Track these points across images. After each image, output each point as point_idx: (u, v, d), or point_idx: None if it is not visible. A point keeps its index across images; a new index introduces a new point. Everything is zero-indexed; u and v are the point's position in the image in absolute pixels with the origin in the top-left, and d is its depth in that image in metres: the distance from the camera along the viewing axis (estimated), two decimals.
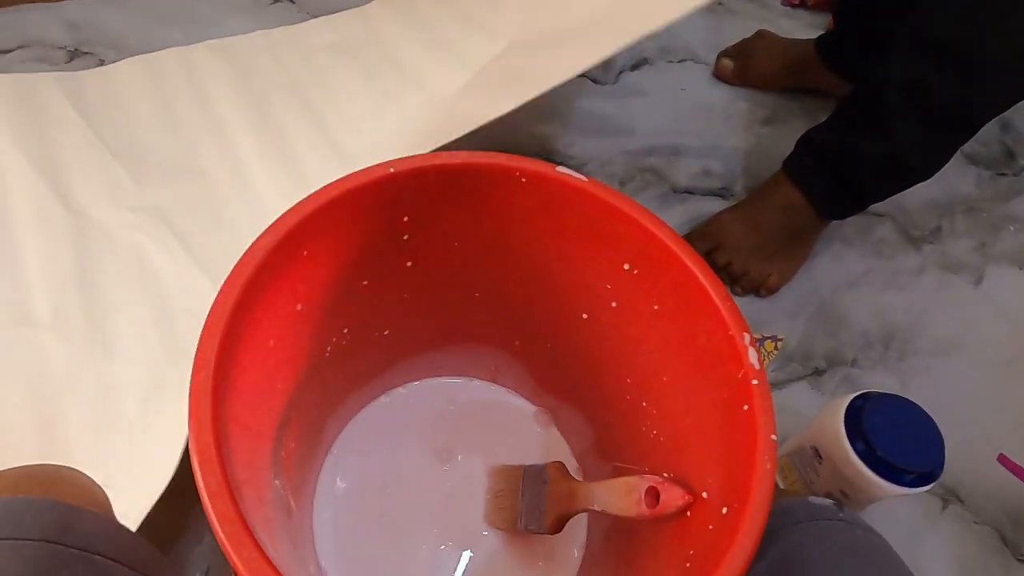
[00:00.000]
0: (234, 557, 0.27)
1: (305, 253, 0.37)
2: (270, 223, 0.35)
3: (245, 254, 0.33)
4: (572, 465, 0.55)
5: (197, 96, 0.73)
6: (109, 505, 0.37)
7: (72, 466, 0.36)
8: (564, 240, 0.43)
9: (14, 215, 0.60)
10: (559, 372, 0.53)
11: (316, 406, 0.47)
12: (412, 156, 0.39)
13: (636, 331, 0.44)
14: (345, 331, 0.46)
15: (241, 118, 0.71)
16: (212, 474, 0.28)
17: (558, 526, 0.44)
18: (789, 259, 0.71)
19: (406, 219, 0.41)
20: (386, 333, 0.50)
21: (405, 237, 0.43)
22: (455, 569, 0.49)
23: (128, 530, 0.32)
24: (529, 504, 0.46)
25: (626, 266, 0.41)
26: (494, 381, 0.58)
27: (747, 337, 0.35)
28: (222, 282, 0.58)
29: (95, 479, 0.37)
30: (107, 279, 0.59)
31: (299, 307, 0.39)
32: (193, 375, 0.30)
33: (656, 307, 0.41)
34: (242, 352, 0.33)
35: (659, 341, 0.42)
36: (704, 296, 0.37)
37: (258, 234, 0.34)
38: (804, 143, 0.69)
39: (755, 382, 0.34)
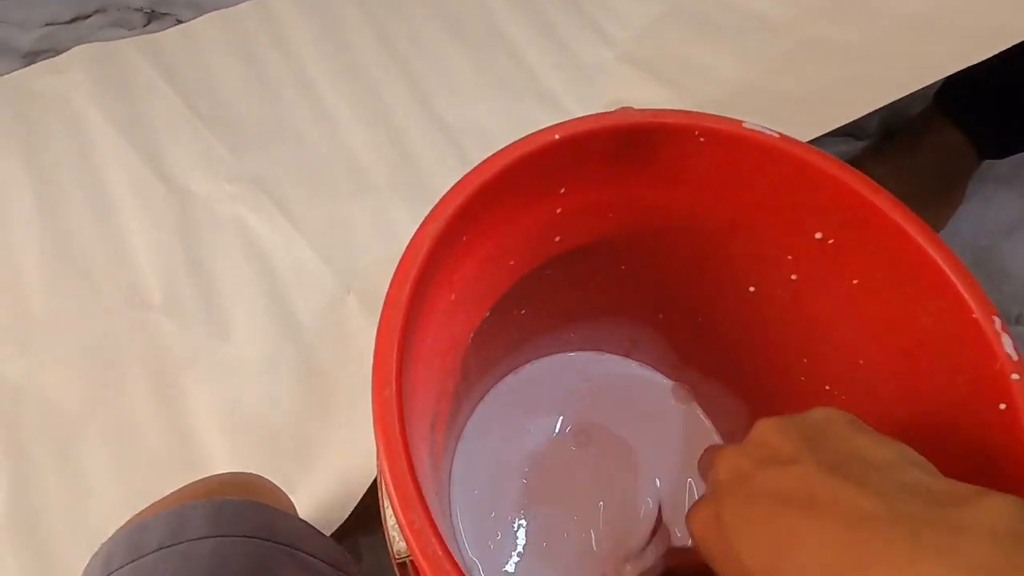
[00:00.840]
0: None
1: (464, 239, 0.33)
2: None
3: (410, 246, 0.29)
4: (715, 443, 0.51)
5: (283, 53, 0.69)
6: (295, 508, 0.39)
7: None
8: (739, 206, 0.38)
9: (115, 194, 0.58)
10: (707, 346, 0.48)
11: (454, 393, 0.44)
12: (576, 119, 0.34)
13: (821, 308, 0.38)
14: (487, 314, 0.42)
15: (331, 77, 0.67)
16: (415, 512, 0.24)
17: None
18: (943, 206, 0.64)
19: (563, 191, 0.37)
20: (523, 312, 0.46)
21: (558, 211, 0.38)
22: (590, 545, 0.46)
23: (317, 530, 0.34)
24: None
25: (818, 235, 0.36)
26: (628, 355, 0.54)
27: (997, 322, 0.30)
28: (325, 252, 0.54)
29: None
30: (213, 257, 0.56)
31: (453, 297, 0.35)
32: (375, 393, 0.26)
33: (855, 282, 0.36)
34: (411, 356, 0.30)
35: (856, 321, 0.37)
36: (933, 271, 0.31)
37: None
38: (961, 73, 0.61)
39: (1015, 376, 0.28)
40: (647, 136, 0.34)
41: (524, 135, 0.32)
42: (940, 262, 0.31)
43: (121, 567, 0.27)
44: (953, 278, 0.31)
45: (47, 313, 0.53)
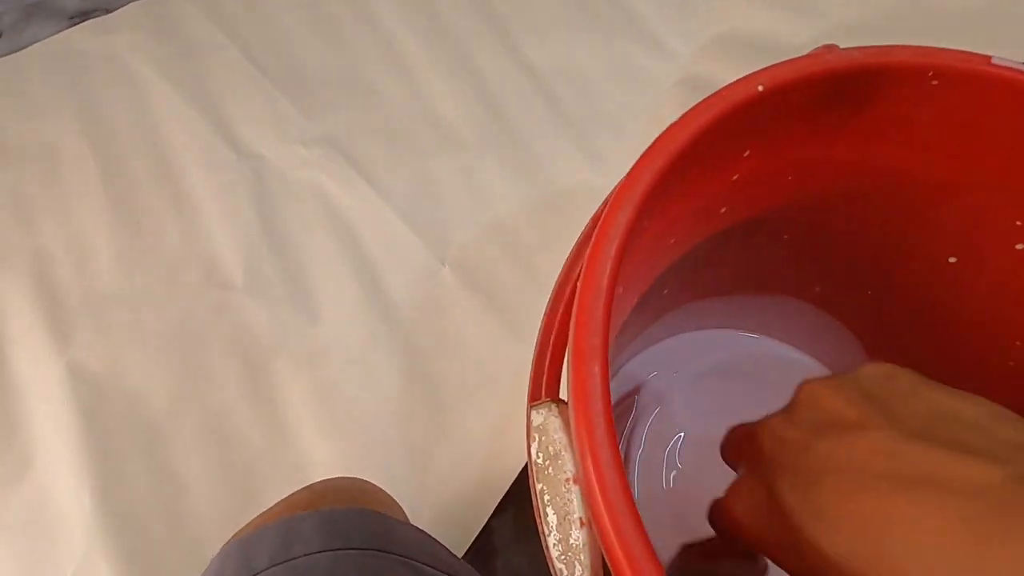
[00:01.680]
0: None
1: (645, 223, 0.26)
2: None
3: (602, 236, 0.24)
4: None
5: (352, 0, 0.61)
6: (404, 512, 0.37)
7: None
8: (963, 162, 0.31)
9: (181, 162, 0.53)
10: (875, 326, 0.42)
11: (613, 363, 0.39)
12: (777, 65, 0.27)
13: None
14: (635, 301, 0.36)
15: (406, 23, 0.60)
16: (623, 516, 0.19)
17: None
18: None
19: (747, 154, 0.30)
20: (665, 292, 0.40)
21: (735, 178, 0.31)
22: None
23: (432, 537, 0.33)
24: None
25: None
26: (768, 333, 0.48)
27: None
28: (413, 218, 0.48)
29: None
30: (294, 230, 0.51)
31: (620, 290, 0.29)
32: (578, 365, 0.21)
33: None
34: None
35: None
36: None
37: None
38: None
39: None
40: (867, 81, 0.27)
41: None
42: None
43: None
44: None
45: (122, 296, 0.49)
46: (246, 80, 0.56)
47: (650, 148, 0.25)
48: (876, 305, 0.41)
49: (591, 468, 0.20)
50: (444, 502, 0.42)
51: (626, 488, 0.20)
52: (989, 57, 0.27)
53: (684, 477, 0.44)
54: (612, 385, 0.26)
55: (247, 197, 0.52)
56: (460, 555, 0.44)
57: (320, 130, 0.54)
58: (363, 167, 0.53)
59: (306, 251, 0.50)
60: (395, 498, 0.45)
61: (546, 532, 0.30)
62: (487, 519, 0.42)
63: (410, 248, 0.50)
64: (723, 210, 0.34)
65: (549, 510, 0.30)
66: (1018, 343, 0.35)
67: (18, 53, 0.59)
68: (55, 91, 0.57)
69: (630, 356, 0.46)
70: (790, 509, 0.21)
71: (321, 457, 0.44)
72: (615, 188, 0.25)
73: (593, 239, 0.24)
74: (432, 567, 0.30)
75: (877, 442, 0.19)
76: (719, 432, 0.29)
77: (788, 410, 0.23)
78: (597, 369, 0.22)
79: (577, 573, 0.29)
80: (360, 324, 0.47)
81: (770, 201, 0.35)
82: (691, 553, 0.33)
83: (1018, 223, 0.31)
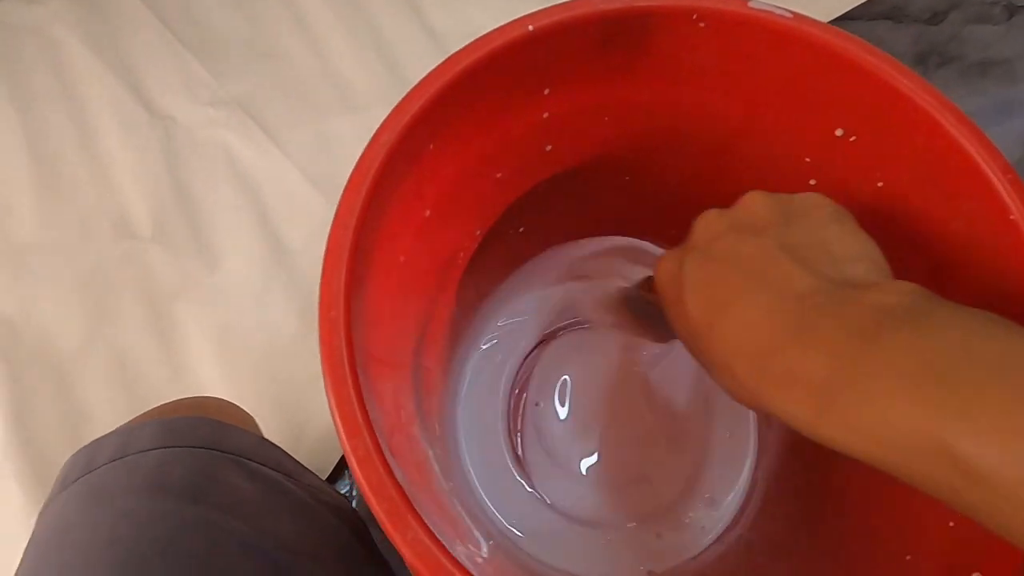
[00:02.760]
0: (398, 540, 0.22)
1: (431, 147, 0.30)
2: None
3: (362, 158, 0.26)
4: None
5: None
6: (256, 426, 0.39)
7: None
8: (750, 102, 0.33)
9: (99, 123, 0.56)
10: None
11: (450, 319, 0.42)
12: (552, 7, 0.30)
13: None
14: (476, 232, 0.39)
15: None
16: (360, 439, 0.22)
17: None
18: None
19: (547, 91, 0.33)
20: (520, 231, 0.43)
21: (545, 115, 0.34)
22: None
23: (272, 444, 0.34)
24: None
25: (839, 131, 0.32)
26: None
27: None
28: (312, 174, 0.52)
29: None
30: (201, 185, 0.55)
31: (427, 213, 0.32)
32: (322, 316, 0.24)
33: (880, 184, 0.32)
34: (370, 278, 0.27)
35: (880, 230, 0.32)
36: (969, 166, 0.27)
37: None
38: None
39: None
40: (636, 24, 0.30)
41: None
42: (976, 156, 0.27)
43: (76, 480, 0.29)
44: (991, 174, 0.27)
45: (39, 245, 0.53)
46: (161, 45, 0.60)
47: (421, 81, 0.28)
48: None
49: (328, 377, 0.23)
50: (321, 430, 0.46)
51: (364, 414, 0.23)
52: (748, 1, 0.30)
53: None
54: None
55: (158, 155, 0.55)
56: (325, 477, 0.47)
57: (229, 92, 0.58)
58: (267, 126, 0.56)
59: (211, 204, 0.53)
60: (282, 429, 0.48)
61: None
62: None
63: (309, 201, 0.53)
64: (548, 148, 0.37)
65: None
66: None
67: None
68: None
69: (508, 294, 0.49)
70: (685, 277, 0.25)
71: (216, 391, 0.47)
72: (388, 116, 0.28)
73: (355, 165, 0.26)
74: (265, 466, 0.32)
75: (760, 244, 0.24)
76: None
77: (729, 208, 0.27)
78: (337, 314, 0.24)
79: None
80: (258, 271, 0.51)
81: (595, 140, 0.37)
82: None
83: (807, 160, 0.34)
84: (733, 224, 0.26)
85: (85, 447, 0.31)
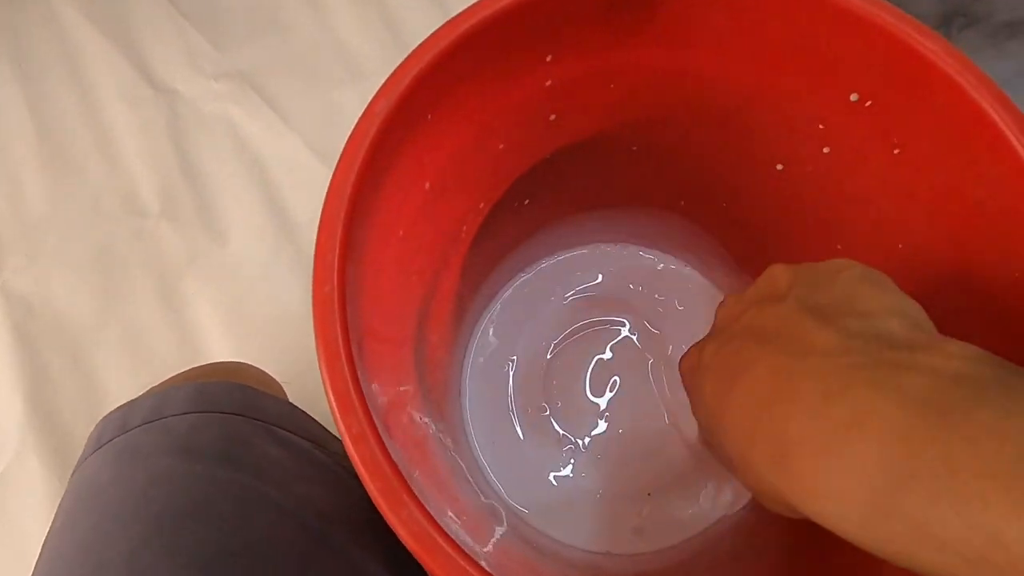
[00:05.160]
0: (393, 519, 0.21)
1: (429, 117, 0.29)
2: (382, 82, 0.27)
3: (356, 128, 0.26)
4: None
5: None
6: (284, 393, 0.40)
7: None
8: (761, 67, 0.32)
9: (104, 100, 0.56)
10: (735, 235, 0.44)
11: (455, 293, 0.41)
12: None
13: (856, 184, 0.33)
14: (481, 205, 0.38)
15: None
16: (354, 417, 0.22)
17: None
18: None
19: (549, 58, 0.32)
20: (526, 203, 0.42)
21: (548, 83, 0.33)
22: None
23: (302, 411, 0.35)
24: None
25: (854, 96, 0.30)
26: (652, 247, 0.50)
27: None
28: (319, 147, 0.51)
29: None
30: (206, 160, 0.55)
31: (427, 185, 0.31)
32: (315, 291, 0.23)
33: (897, 151, 0.30)
34: (368, 253, 0.27)
35: (897, 198, 0.32)
36: (991, 131, 0.26)
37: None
38: None
39: None
40: None
41: None
42: (999, 121, 0.25)
43: (109, 441, 0.30)
44: (1014, 140, 0.25)
45: (50, 224, 0.53)
46: (164, 19, 0.59)
47: (416, 48, 0.27)
48: (731, 215, 0.42)
49: (321, 354, 0.23)
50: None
51: (351, 373, 0.22)
52: None
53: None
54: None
55: (163, 130, 0.55)
56: None
57: (232, 65, 0.57)
58: (271, 98, 0.56)
59: (217, 179, 0.53)
60: (294, 401, 0.48)
61: None
62: None
63: (314, 173, 0.53)
64: (552, 117, 0.36)
65: None
66: (838, 247, 0.37)
67: None
68: None
69: (517, 269, 0.49)
70: (703, 365, 0.23)
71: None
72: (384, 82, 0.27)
73: (349, 136, 0.26)
74: (295, 434, 0.33)
75: (778, 312, 0.21)
76: None
77: (746, 290, 0.25)
78: (330, 289, 0.24)
79: None
80: (266, 243, 0.51)
81: (602, 111, 0.36)
82: None
83: (820, 127, 0.33)
84: (753, 299, 0.24)
85: (118, 409, 0.31)
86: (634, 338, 0.47)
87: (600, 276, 0.49)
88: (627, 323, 0.48)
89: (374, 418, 0.22)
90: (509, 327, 0.48)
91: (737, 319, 0.23)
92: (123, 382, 0.48)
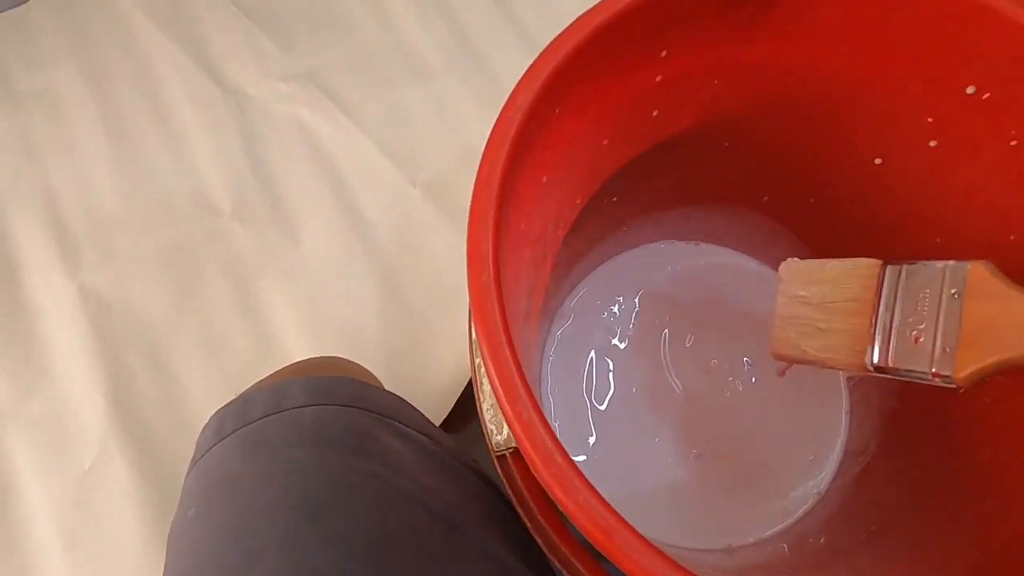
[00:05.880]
0: (570, 505, 0.21)
1: (557, 110, 0.29)
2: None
3: (500, 120, 0.26)
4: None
5: None
6: (384, 387, 0.39)
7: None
8: (871, 58, 0.32)
9: (171, 99, 0.57)
10: (820, 231, 0.44)
11: (545, 288, 0.41)
12: None
13: (964, 178, 0.33)
14: (577, 201, 0.39)
15: None
16: (522, 404, 0.22)
17: (974, 377, 0.25)
18: None
19: (664, 53, 0.32)
20: (614, 199, 0.42)
21: (658, 79, 0.33)
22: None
23: (409, 403, 0.35)
24: (907, 331, 0.27)
25: (970, 89, 0.30)
26: (720, 243, 0.50)
27: None
28: (386, 146, 0.52)
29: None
30: (276, 160, 0.55)
31: (545, 179, 0.32)
32: (472, 281, 0.24)
33: (1014, 143, 0.30)
34: (505, 242, 0.27)
35: (1009, 187, 0.32)
36: None
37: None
38: None
39: None
40: None
41: (590, 2, 0.28)
42: None
43: (233, 431, 0.30)
44: None
45: (124, 224, 0.53)
46: (230, 21, 0.60)
47: (553, 41, 0.27)
48: (817, 211, 0.43)
49: (484, 343, 0.23)
50: (417, 398, 0.46)
51: (522, 377, 0.22)
52: None
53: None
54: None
55: (232, 130, 0.55)
56: None
57: (298, 66, 0.58)
58: (339, 98, 0.56)
59: (287, 179, 0.54)
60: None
61: (481, 400, 0.33)
62: (452, 405, 0.46)
63: (383, 172, 0.53)
64: (655, 113, 0.36)
65: (484, 381, 0.34)
66: (937, 240, 0.37)
67: (25, 5, 0.63)
68: (57, 39, 0.60)
69: (592, 264, 0.49)
70: None
71: None
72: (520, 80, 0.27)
73: (493, 127, 0.26)
74: (410, 428, 0.33)
75: None
76: None
77: None
78: (487, 279, 0.24)
79: (504, 432, 0.32)
80: (338, 243, 0.51)
81: (701, 107, 0.37)
82: None
83: (929, 120, 0.33)
84: None
85: (231, 403, 0.32)
86: (698, 335, 0.47)
87: (672, 272, 0.49)
88: (695, 320, 0.48)
89: (539, 405, 0.22)
90: (583, 321, 0.48)
91: None
92: (201, 381, 0.48)
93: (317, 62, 0.58)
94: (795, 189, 0.42)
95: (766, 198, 0.44)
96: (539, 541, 0.29)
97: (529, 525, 0.30)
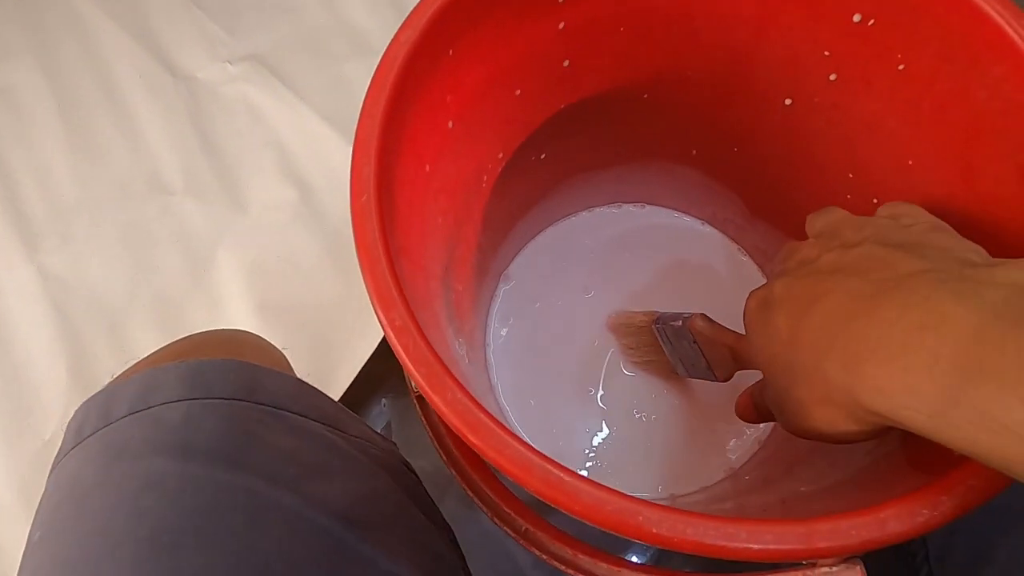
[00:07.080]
0: (438, 401, 0.22)
1: (451, 52, 0.30)
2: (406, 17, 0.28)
3: (385, 56, 0.27)
4: None
5: None
6: (289, 365, 0.37)
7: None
8: (766, 4, 0.33)
9: (123, 86, 0.59)
10: (749, 181, 0.45)
11: (477, 244, 0.43)
12: None
13: (864, 108, 0.34)
14: (500, 155, 0.40)
15: None
16: (396, 310, 0.23)
17: (728, 375, 0.36)
18: None
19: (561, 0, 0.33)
20: (543, 157, 0.43)
21: (561, 25, 0.34)
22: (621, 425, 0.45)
23: (312, 387, 0.30)
24: (684, 358, 0.39)
25: (857, 17, 0.31)
26: (658, 203, 0.51)
27: None
28: (331, 116, 0.53)
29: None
30: (225, 137, 0.57)
31: (451, 124, 0.33)
32: (353, 202, 0.25)
33: (901, 67, 0.31)
34: (399, 175, 0.28)
35: (903, 114, 0.33)
36: (990, 31, 0.27)
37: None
38: None
39: None
40: None
41: None
42: (998, 18, 0.27)
43: (92, 434, 0.26)
44: (1013, 34, 0.26)
45: (80, 206, 0.55)
46: (180, 11, 0.62)
47: None
48: (743, 160, 0.44)
49: (362, 258, 0.24)
50: (358, 358, 0.48)
51: (398, 287, 0.23)
52: None
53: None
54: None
55: (183, 114, 0.57)
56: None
57: (246, 48, 0.60)
58: (284, 76, 0.58)
59: (237, 154, 0.56)
60: (316, 357, 0.48)
61: None
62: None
63: (327, 140, 0.55)
64: (566, 63, 0.37)
65: None
66: (850, 175, 0.38)
67: None
68: (13, 32, 0.62)
69: (539, 226, 0.50)
70: (774, 298, 0.25)
71: (253, 327, 0.49)
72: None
73: (379, 61, 0.27)
74: (305, 416, 0.28)
75: (860, 250, 0.23)
76: None
77: (819, 235, 0.27)
78: (368, 199, 0.25)
79: None
80: (285, 210, 0.53)
81: (614, 57, 0.37)
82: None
83: (826, 53, 0.34)
84: (827, 247, 0.25)
85: (100, 393, 0.27)
86: (652, 295, 0.48)
87: (616, 234, 0.50)
88: (645, 281, 0.49)
89: (413, 311, 0.23)
90: (524, 292, 0.49)
91: (812, 261, 0.25)
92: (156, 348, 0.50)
93: (264, 44, 0.60)
94: (718, 140, 0.43)
95: (694, 151, 0.45)
96: (455, 475, 0.30)
97: (445, 460, 0.31)
